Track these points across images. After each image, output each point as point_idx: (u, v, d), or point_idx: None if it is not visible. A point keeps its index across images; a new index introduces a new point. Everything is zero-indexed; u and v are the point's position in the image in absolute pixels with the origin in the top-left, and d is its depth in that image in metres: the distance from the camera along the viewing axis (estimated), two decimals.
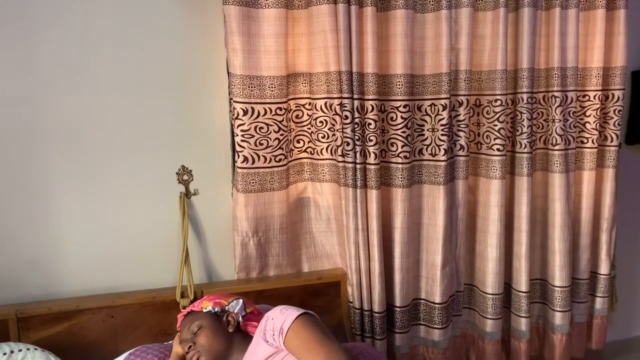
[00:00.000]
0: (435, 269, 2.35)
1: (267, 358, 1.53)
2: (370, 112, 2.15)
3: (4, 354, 1.80)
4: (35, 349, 1.86)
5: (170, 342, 1.82)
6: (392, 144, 2.24)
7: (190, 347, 1.64)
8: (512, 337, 2.54)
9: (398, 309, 2.35)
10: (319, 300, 2.33)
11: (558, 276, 2.47)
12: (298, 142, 2.29)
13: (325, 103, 2.19)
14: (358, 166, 2.18)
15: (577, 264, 2.54)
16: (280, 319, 1.56)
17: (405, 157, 2.23)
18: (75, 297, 2.12)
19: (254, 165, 2.16)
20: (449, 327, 2.42)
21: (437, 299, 2.36)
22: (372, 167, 2.19)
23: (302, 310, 1.58)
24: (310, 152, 2.31)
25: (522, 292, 2.45)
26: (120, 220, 2.17)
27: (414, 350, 2.46)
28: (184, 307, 1.86)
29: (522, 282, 2.44)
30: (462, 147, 2.31)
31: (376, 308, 2.30)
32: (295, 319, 1.54)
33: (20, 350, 1.83)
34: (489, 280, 2.42)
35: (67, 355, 1.95)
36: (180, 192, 2.22)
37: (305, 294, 2.31)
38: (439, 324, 2.38)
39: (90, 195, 2.12)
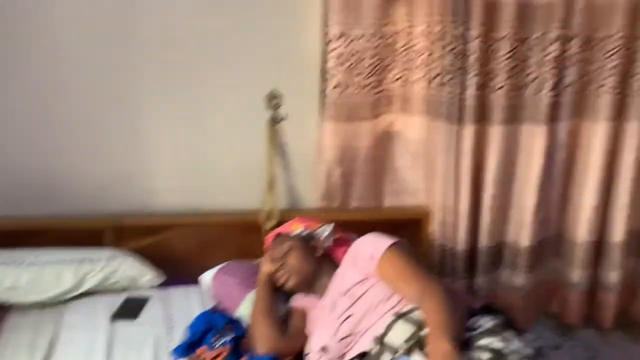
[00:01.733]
0: (526, 212, 2.24)
1: (356, 283, 1.52)
2: (474, 40, 2.01)
3: (103, 258, 1.90)
4: (132, 257, 1.95)
5: (256, 261, 1.84)
6: (493, 77, 2.10)
7: (280, 266, 1.66)
8: (600, 290, 2.42)
9: (482, 250, 2.28)
10: (400, 235, 2.23)
11: None
12: (392, 70, 2.19)
13: (425, 29, 2.07)
14: (454, 99, 2.07)
15: None
16: (372, 246, 1.54)
17: (506, 91, 2.09)
18: (167, 213, 2.18)
19: (343, 93, 2.09)
20: (533, 273, 2.34)
21: (524, 244, 2.27)
22: (470, 100, 2.08)
23: (394, 239, 1.55)
24: (404, 82, 2.21)
25: (617, 243, 2.31)
26: (209, 141, 2.19)
27: (495, 293, 2.40)
28: (268, 230, 1.87)
29: (617, 232, 2.30)
30: (569, 85, 2.14)
31: (459, 248, 2.25)
32: (388, 247, 1.51)
33: (117, 257, 1.92)
34: (582, 229, 2.30)
35: (157, 266, 2.03)
36: (269, 117, 2.20)
37: (386, 228, 2.23)
38: (524, 269, 2.30)
39: (182, 115, 2.13)
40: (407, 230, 2.31)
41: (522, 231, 2.27)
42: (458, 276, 2.29)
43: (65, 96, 2.03)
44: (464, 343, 1.24)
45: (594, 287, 2.44)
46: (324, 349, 1.47)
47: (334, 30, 2.00)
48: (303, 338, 1.58)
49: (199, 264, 2.04)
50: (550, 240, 2.40)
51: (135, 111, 2.10)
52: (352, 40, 2.02)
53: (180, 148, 2.17)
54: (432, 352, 1.14)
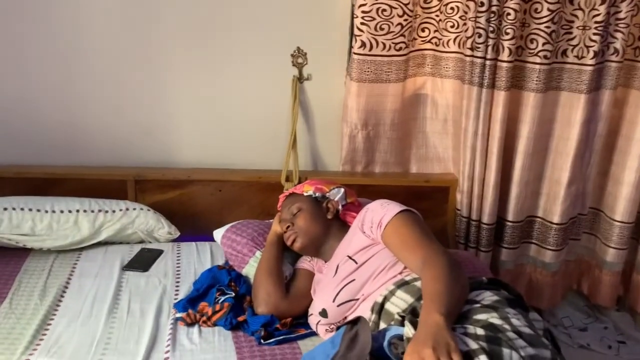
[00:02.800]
0: (559, 186, 2.12)
1: (362, 249, 1.48)
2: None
3: (121, 210, 1.93)
4: (149, 210, 1.98)
5: (271, 220, 1.83)
6: (531, 40, 1.96)
7: (288, 227, 1.64)
8: (636, 272, 2.29)
9: (509, 224, 2.19)
10: (424, 203, 2.22)
11: None
12: (423, 30, 2.08)
13: None
14: (488, 62, 1.95)
15: None
16: (380, 212, 1.48)
17: (545, 56, 1.95)
18: (188, 168, 2.19)
19: (371, 52, 2.01)
20: (563, 250, 2.22)
21: (556, 219, 2.15)
22: (505, 64, 1.95)
23: (403, 207, 1.49)
24: (436, 42, 2.10)
25: None
26: (232, 99, 2.17)
27: (521, 268, 2.31)
28: (289, 189, 1.85)
29: None
30: (616, 51, 1.97)
31: (485, 219, 2.16)
32: (396, 214, 1.45)
33: (134, 209, 1.95)
34: (620, 207, 2.15)
35: (176, 220, 2.05)
36: (293, 75, 2.15)
37: (410, 195, 2.20)
38: (554, 245, 2.19)
39: (205, 70, 2.11)
40: (433, 198, 2.25)
41: (554, 206, 2.15)
42: (482, 247, 2.20)
43: (88, 50, 2.05)
44: (461, 316, 1.19)
45: (629, 268, 2.31)
46: (323, 313, 1.45)
47: None
48: (306, 300, 1.56)
49: (217, 220, 2.05)
50: (584, 217, 2.27)
51: (159, 66, 2.09)
52: None
53: (203, 104, 2.16)
54: (421, 322, 1.09)
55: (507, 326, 1.13)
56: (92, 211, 1.89)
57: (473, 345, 1.05)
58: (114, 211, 1.92)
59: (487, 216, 2.15)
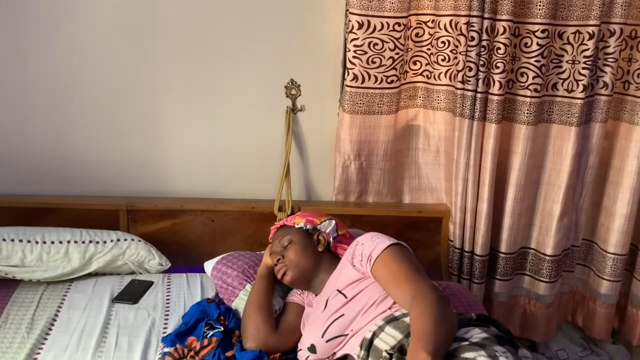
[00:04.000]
0: (552, 218, 2.12)
1: (352, 282, 1.47)
2: (502, 34, 1.90)
3: (112, 240, 1.93)
4: (139, 241, 1.97)
5: (262, 252, 1.82)
6: (522, 74, 1.99)
7: (279, 260, 1.63)
8: (630, 304, 2.27)
9: (502, 255, 2.18)
10: (417, 234, 2.22)
11: None
12: (414, 63, 2.11)
13: (451, 21, 1.97)
14: (479, 95, 1.97)
15: None
16: (370, 245, 1.48)
17: (535, 90, 1.97)
18: (180, 198, 2.19)
19: (363, 85, 2.03)
20: (557, 282, 2.22)
21: (549, 251, 2.15)
22: (496, 97, 1.97)
23: (393, 240, 1.49)
24: (427, 75, 2.12)
25: None
26: (225, 129, 2.18)
27: (514, 300, 2.29)
28: (280, 221, 1.84)
29: None
30: (605, 84, 2.00)
31: (478, 251, 2.15)
32: (386, 248, 1.45)
33: (125, 240, 1.95)
34: (613, 239, 2.15)
35: (168, 251, 2.04)
36: (287, 107, 2.16)
37: (403, 225, 2.21)
38: (547, 277, 2.18)
39: (198, 102, 2.13)
40: (426, 228, 2.25)
41: (546, 238, 2.15)
42: (476, 279, 2.19)
43: (83, 80, 2.07)
44: (449, 354, 1.18)
45: (623, 300, 2.30)
46: (311, 348, 1.44)
47: (354, 19, 1.94)
48: (295, 335, 1.55)
49: (209, 251, 2.06)
50: (578, 249, 2.26)
51: (152, 96, 2.11)
52: (373, 31, 1.95)
53: (197, 134, 2.17)
54: None
55: None
56: (83, 242, 1.88)
57: None
58: (104, 242, 1.91)
59: (480, 247, 2.15)
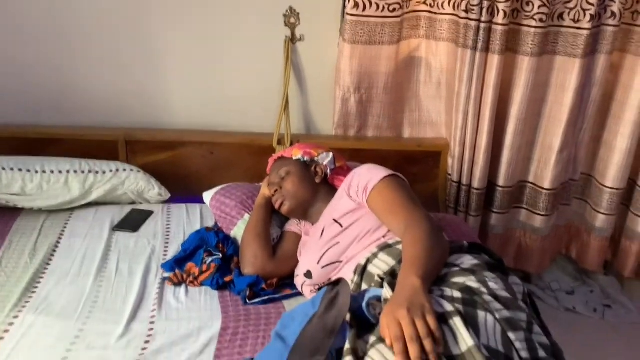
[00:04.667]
0: (551, 152, 2.12)
1: (347, 212, 1.49)
2: None
3: (111, 171, 1.94)
4: (139, 171, 1.99)
5: (261, 183, 1.84)
6: (527, 3, 1.92)
7: (276, 190, 1.65)
8: (624, 237, 2.30)
9: (500, 189, 2.19)
10: (416, 168, 2.23)
11: None
12: None
13: None
14: (482, 25, 1.92)
15: None
16: (366, 176, 1.49)
17: (541, 19, 1.91)
18: (180, 130, 2.19)
19: (364, 13, 1.97)
20: (553, 215, 2.24)
21: (547, 184, 2.16)
22: (500, 27, 1.92)
23: (390, 172, 1.49)
24: (430, 4, 2.06)
25: None
26: (224, 60, 2.14)
27: (510, 233, 2.33)
28: (278, 153, 1.84)
29: None
30: (613, 14, 1.93)
31: (476, 184, 2.16)
32: (382, 179, 1.46)
33: (124, 170, 1.96)
34: (612, 173, 2.16)
35: (167, 182, 2.06)
36: (286, 36, 2.11)
37: (402, 159, 2.21)
38: (544, 210, 2.20)
39: (197, 33, 2.08)
40: (425, 162, 2.25)
41: (545, 171, 2.15)
42: (472, 212, 2.22)
43: (82, 11, 2.02)
44: (439, 279, 1.21)
45: (617, 233, 2.33)
46: (308, 274, 1.47)
47: None
48: (292, 262, 1.59)
49: (208, 183, 2.06)
50: (575, 183, 2.27)
51: (151, 28, 2.07)
52: None
53: (196, 65, 2.14)
54: (399, 284, 1.11)
55: (484, 289, 1.15)
56: (83, 172, 1.90)
57: (448, 307, 1.07)
58: (104, 172, 1.92)
59: (478, 181, 2.15)
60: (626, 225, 2.29)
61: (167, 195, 2.00)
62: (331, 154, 1.72)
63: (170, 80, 2.15)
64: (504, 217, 2.26)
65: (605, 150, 2.18)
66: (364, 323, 1.11)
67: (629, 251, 2.29)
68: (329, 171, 1.69)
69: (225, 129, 2.22)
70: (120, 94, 2.15)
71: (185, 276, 1.53)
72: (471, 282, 1.17)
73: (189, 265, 1.56)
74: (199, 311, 1.42)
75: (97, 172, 1.91)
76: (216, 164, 2.17)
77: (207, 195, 1.86)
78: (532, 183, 2.22)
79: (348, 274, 1.40)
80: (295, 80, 2.19)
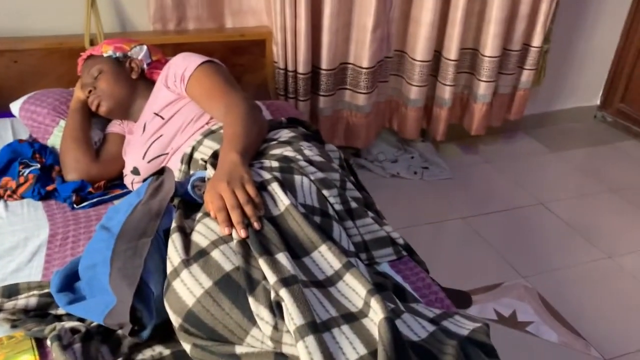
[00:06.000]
0: (366, 32, 2.23)
1: (168, 104, 1.48)
2: None
3: None
4: None
5: (73, 88, 1.72)
6: None
7: (90, 91, 1.56)
8: (435, 105, 2.58)
9: (324, 72, 2.29)
10: (242, 58, 2.23)
11: (490, 45, 2.41)
12: None
13: None
14: None
15: (511, 34, 2.47)
16: (182, 65, 1.47)
17: None
18: None
19: None
20: (373, 93, 2.41)
21: (365, 64, 2.30)
22: None
23: (205, 58, 1.49)
24: None
25: (451, 60, 2.41)
26: None
27: (338, 114, 2.48)
28: (87, 51, 1.72)
29: (452, 50, 2.38)
30: None
31: (300, 69, 2.24)
32: (198, 66, 1.45)
33: None
34: (420, 46, 2.35)
35: None
36: None
37: (228, 51, 2.19)
38: (364, 89, 2.36)
39: None
40: (250, 52, 2.25)
41: (362, 51, 2.28)
42: (300, 97, 2.31)
43: None
44: (259, 153, 1.28)
45: (430, 103, 2.59)
46: (135, 171, 1.47)
47: None
48: (117, 163, 1.56)
49: (19, 96, 1.88)
50: (391, 60, 2.45)
51: None
52: None
53: None
54: (219, 162, 1.15)
55: (299, 157, 1.25)
56: None
57: (267, 176, 1.15)
58: None
59: (302, 65, 2.23)
60: (436, 94, 2.55)
61: None
62: (145, 47, 1.66)
63: None
64: (330, 99, 2.39)
65: (413, 25, 2.35)
66: (191, 206, 1.16)
67: (440, 117, 2.58)
68: (145, 65, 1.64)
69: (28, 34, 2.00)
70: None
71: (1, 191, 1.43)
72: (287, 151, 1.26)
73: (4, 179, 1.46)
74: (23, 223, 1.36)
75: None
76: (23, 73, 1.97)
77: (15, 106, 1.71)
78: (352, 64, 2.35)
79: (175, 164, 1.43)
80: None
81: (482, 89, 2.53)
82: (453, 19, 2.32)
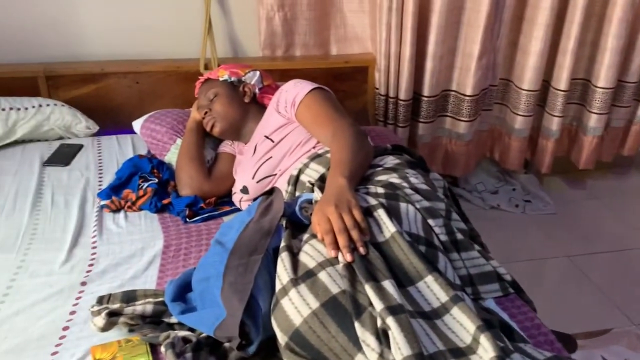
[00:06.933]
0: (471, 59, 2.21)
1: (278, 128, 1.53)
2: None
3: (33, 106, 1.89)
4: (63, 105, 1.94)
5: (190, 109, 1.84)
6: None
7: (206, 112, 1.66)
8: (541, 136, 2.48)
9: (425, 99, 2.28)
10: (345, 84, 2.28)
11: (603, 76, 2.29)
12: None
13: None
14: None
15: (628, 65, 2.34)
16: (293, 91, 1.52)
17: None
18: (101, 61, 2.12)
19: None
20: (476, 121, 2.37)
21: (468, 91, 2.26)
22: None
23: (315, 85, 1.53)
24: None
25: (561, 90, 2.31)
26: None
27: (437, 141, 2.45)
28: (204, 75, 1.84)
29: (562, 79, 2.28)
30: None
31: (402, 95, 2.24)
32: (308, 92, 1.50)
33: (48, 105, 1.91)
34: (527, 76, 2.28)
35: (95, 115, 2.03)
36: None
37: (331, 77, 2.25)
38: (467, 116, 2.32)
39: None
40: (353, 78, 2.30)
41: (466, 79, 2.25)
42: (400, 123, 2.31)
43: None
44: (365, 179, 1.29)
45: (535, 133, 2.50)
46: (244, 190, 1.53)
47: None
48: (228, 181, 1.63)
49: (138, 114, 2.03)
50: (495, 88, 2.39)
51: None
52: None
53: None
54: (327, 185, 1.18)
55: (405, 184, 1.24)
56: (3, 109, 1.83)
57: (373, 201, 1.15)
58: (26, 108, 1.87)
59: (404, 92, 2.23)
60: (542, 124, 2.45)
61: (95, 127, 1.97)
62: (258, 72, 1.74)
63: (85, 7, 2.06)
64: (430, 126, 2.37)
65: (521, 54, 2.29)
66: (298, 226, 1.19)
67: (546, 149, 2.47)
68: (257, 90, 1.71)
69: (149, 57, 2.17)
70: (34, 26, 2.04)
71: (122, 202, 1.55)
72: (393, 178, 1.26)
73: (126, 191, 1.57)
74: (141, 233, 1.46)
75: (18, 109, 1.85)
76: (143, 94, 2.14)
77: (137, 124, 1.85)
78: (455, 91, 2.32)
79: (282, 185, 1.47)
80: (217, 1, 2.14)
81: (593, 121, 2.40)
82: (564, 48, 2.23)
